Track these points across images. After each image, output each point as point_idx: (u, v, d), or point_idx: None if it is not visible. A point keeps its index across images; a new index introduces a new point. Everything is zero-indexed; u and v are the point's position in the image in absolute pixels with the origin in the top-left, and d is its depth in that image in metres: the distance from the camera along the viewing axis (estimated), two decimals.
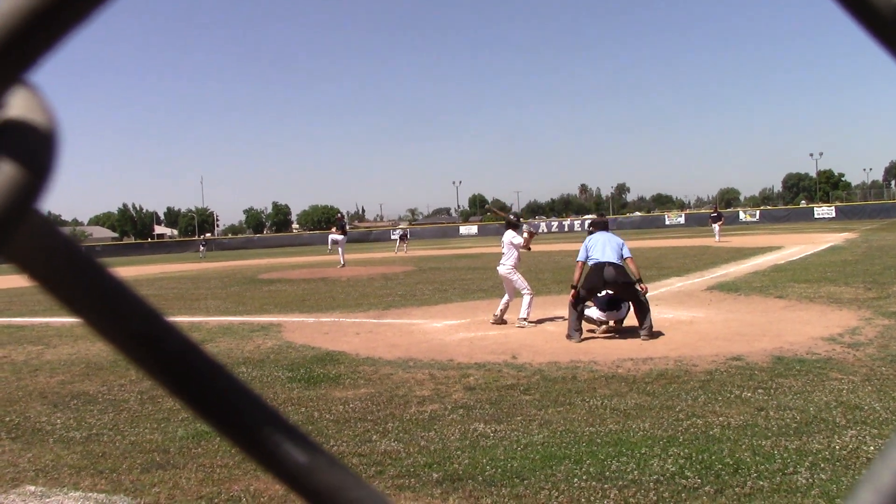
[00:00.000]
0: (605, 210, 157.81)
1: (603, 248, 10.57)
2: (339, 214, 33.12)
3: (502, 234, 12.80)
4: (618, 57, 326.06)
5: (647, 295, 10.50)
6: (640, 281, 10.45)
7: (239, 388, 0.34)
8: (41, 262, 0.30)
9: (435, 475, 5.20)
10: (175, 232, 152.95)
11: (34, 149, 0.28)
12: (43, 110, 0.29)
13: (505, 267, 12.40)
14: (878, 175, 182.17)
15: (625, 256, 10.48)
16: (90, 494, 5.14)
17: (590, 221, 11.53)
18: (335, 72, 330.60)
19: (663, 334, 10.33)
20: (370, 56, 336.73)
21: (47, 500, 5.08)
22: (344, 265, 29.04)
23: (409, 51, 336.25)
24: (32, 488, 5.33)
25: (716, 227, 39.72)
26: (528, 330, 11.42)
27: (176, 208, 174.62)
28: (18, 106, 0.29)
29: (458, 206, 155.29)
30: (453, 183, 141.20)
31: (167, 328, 0.32)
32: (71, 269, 0.30)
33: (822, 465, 5.02)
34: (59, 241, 0.30)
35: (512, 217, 13.11)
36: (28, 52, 0.28)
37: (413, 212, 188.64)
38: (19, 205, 0.28)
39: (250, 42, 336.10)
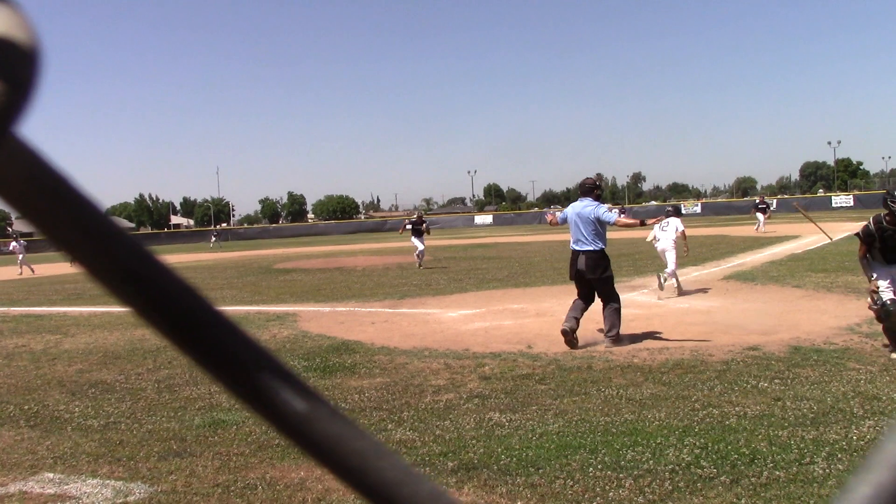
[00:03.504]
0: (621, 199, 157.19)
1: (575, 228, 9.46)
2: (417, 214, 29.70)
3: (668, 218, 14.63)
4: (634, 46, 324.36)
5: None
6: (643, 223, 10.29)
7: (236, 333, 0.33)
8: (22, 188, 0.29)
9: (450, 464, 5.21)
10: (191, 222, 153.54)
11: (14, 64, 0.28)
12: (24, 26, 0.29)
13: (670, 241, 14.30)
14: None
15: (610, 223, 9.38)
16: (108, 482, 5.18)
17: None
18: (351, 62, 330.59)
19: (626, 342, 9.21)
20: (386, 46, 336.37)
21: (65, 487, 5.12)
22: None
23: (424, 41, 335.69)
24: (51, 475, 5.38)
25: (761, 217, 37.04)
26: (544, 320, 11.41)
27: (192, 198, 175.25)
28: None
29: (473, 196, 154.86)
30: (468, 172, 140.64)
31: (158, 266, 0.31)
32: (54, 198, 0.30)
33: (839, 456, 4.99)
34: (42, 167, 0.29)
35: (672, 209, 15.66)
36: None
37: (428, 201, 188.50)
38: (1, 120, 0.27)
39: (266, 32, 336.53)
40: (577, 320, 9.10)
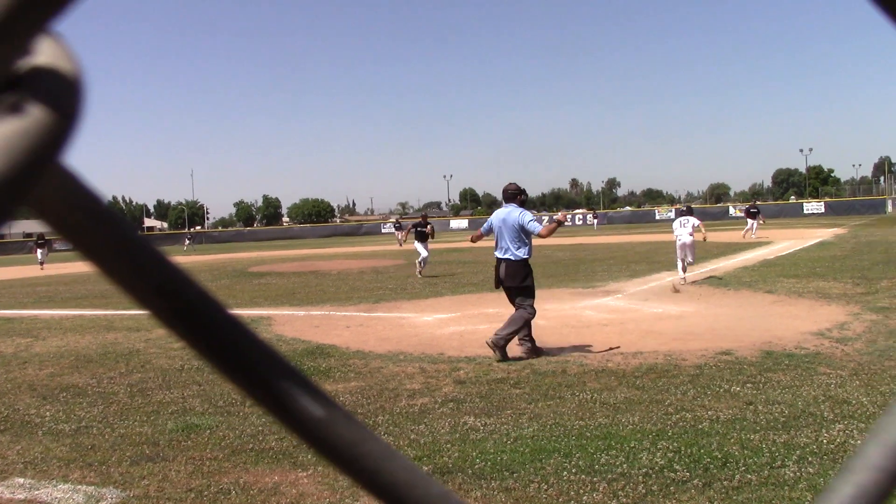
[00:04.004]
0: (596, 204, 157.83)
1: (499, 235, 9.10)
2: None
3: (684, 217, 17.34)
4: (609, 53, 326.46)
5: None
6: (560, 224, 9.55)
7: (256, 343, 0.34)
8: (66, 213, 0.31)
9: (425, 468, 5.20)
10: (165, 225, 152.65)
11: (62, 94, 0.29)
12: (69, 58, 0.30)
13: (689, 236, 16.60)
14: (868, 171, 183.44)
15: (534, 233, 8.95)
16: (79, 487, 5.13)
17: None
18: (326, 66, 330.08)
19: (544, 352, 8.91)
20: (361, 50, 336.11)
21: (36, 492, 5.06)
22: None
23: (399, 45, 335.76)
24: (21, 480, 5.31)
25: (754, 223, 35.89)
26: None
27: (166, 201, 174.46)
28: (45, 53, 0.29)
29: (449, 200, 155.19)
30: (444, 177, 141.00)
31: (186, 281, 0.33)
32: (93, 222, 0.31)
33: (810, 459, 5.05)
34: (82, 192, 0.31)
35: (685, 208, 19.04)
36: (53, 2, 0.28)
37: (404, 205, 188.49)
38: (50, 148, 0.28)
39: (241, 35, 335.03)
40: (529, 337, 8.87)
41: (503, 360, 8.51)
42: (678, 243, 16.77)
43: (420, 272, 21.19)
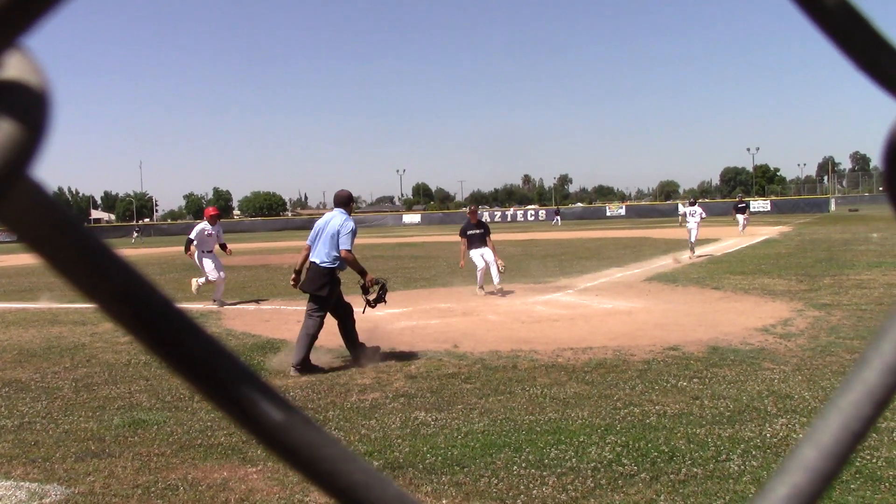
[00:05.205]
0: (548, 200, 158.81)
1: (315, 237, 8.70)
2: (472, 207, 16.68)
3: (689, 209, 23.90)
4: (561, 52, 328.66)
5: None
6: (363, 275, 8.84)
7: (217, 348, 0.35)
8: (32, 224, 0.31)
9: (375, 463, 5.20)
10: (112, 217, 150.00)
11: (31, 107, 0.30)
12: (36, 72, 0.31)
13: (696, 223, 22.96)
14: (812, 170, 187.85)
15: (341, 247, 8.46)
16: (22, 483, 5.02)
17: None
18: (279, 59, 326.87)
19: (319, 370, 8.24)
20: (314, 44, 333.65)
21: None
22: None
23: (352, 40, 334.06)
24: None
25: (741, 218, 34.81)
26: (470, 319, 11.47)
27: (114, 193, 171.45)
28: (14, 67, 0.30)
29: (402, 195, 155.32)
30: (397, 171, 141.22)
31: (147, 288, 0.34)
32: (58, 231, 0.32)
33: (754, 453, 5.15)
34: (47, 202, 0.31)
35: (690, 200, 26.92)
36: (22, 18, 0.29)
37: (356, 199, 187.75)
38: (19, 160, 0.29)
39: (191, 24, 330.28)
40: (356, 347, 8.62)
41: (315, 372, 8.13)
42: (688, 226, 22.79)
43: (494, 286, 14.64)
